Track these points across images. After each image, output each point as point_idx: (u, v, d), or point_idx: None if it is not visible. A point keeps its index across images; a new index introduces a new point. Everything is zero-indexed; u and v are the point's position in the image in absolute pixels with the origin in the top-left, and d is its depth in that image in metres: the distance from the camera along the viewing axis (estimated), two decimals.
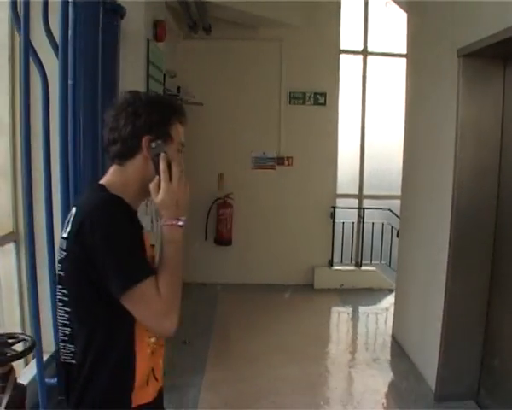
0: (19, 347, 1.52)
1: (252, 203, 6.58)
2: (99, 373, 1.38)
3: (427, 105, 4.28)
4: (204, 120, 6.29)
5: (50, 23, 2.76)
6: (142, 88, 3.76)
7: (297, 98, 6.51)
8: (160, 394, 1.56)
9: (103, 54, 3.20)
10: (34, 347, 1.47)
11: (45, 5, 2.72)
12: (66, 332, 1.42)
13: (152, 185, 1.43)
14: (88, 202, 1.43)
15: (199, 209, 6.56)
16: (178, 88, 5.71)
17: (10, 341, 1.44)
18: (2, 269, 3.19)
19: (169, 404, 3.75)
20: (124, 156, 1.48)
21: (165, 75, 4.61)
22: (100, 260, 1.31)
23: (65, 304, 1.42)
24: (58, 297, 1.45)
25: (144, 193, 1.49)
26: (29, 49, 2.59)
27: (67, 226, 1.41)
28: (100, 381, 1.38)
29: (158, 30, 3.92)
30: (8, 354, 1.43)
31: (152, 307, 1.34)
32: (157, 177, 1.43)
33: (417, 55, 4.60)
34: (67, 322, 1.42)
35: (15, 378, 1.46)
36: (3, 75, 3.17)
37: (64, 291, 1.42)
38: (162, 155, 1.43)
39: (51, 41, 2.80)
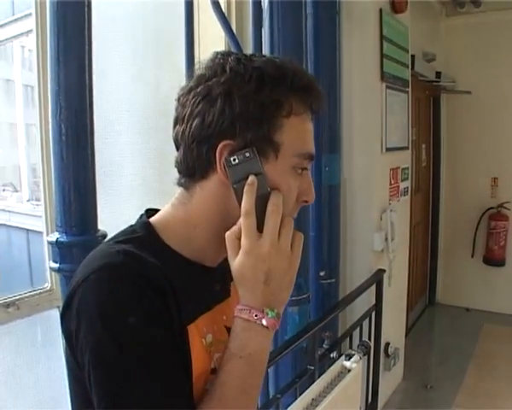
0: None
1: None
2: None
3: None
4: (472, 112, 5.20)
5: None
6: (373, 71, 3.06)
7: None
8: None
9: (316, 31, 2.62)
10: None
11: None
12: None
13: (228, 237, 0.78)
14: (86, 260, 0.80)
15: (466, 220, 5.47)
16: (438, 73, 4.74)
17: None
18: None
19: None
20: (189, 174, 0.82)
21: (413, 56, 3.77)
22: (86, 370, 0.71)
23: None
24: None
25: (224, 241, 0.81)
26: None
27: None
28: None
29: None
30: None
31: None
32: (240, 220, 0.77)
33: None
34: None
35: None
36: None
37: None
38: (250, 179, 0.76)
39: None
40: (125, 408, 0.68)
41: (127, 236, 0.82)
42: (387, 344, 3.43)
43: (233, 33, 2.50)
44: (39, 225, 2.12)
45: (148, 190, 2.42)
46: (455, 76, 5.14)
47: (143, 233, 0.82)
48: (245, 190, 0.76)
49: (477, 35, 5.11)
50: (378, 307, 2.98)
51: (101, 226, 1.65)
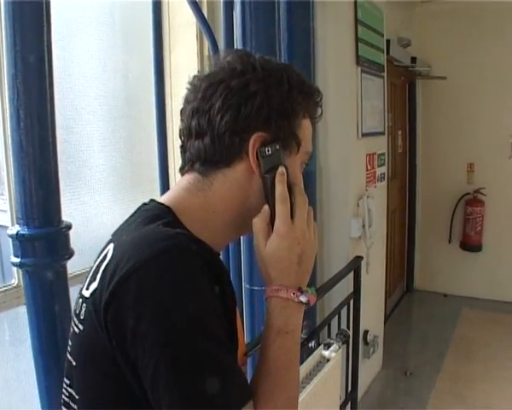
0: None
1: (510, 201, 5.17)
2: None
3: None
4: (448, 98, 5.21)
5: None
6: (348, 55, 3.00)
7: None
8: None
9: (289, 15, 2.56)
10: None
11: None
12: None
13: (257, 223, 0.82)
14: (136, 242, 0.74)
15: (442, 206, 5.49)
16: (413, 59, 4.71)
17: None
18: None
19: None
20: (212, 162, 0.84)
21: (389, 41, 3.73)
22: (150, 366, 0.66)
23: None
24: (63, 399, 0.81)
25: (240, 230, 0.89)
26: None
27: (94, 278, 0.75)
28: None
29: None
30: None
31: None
32: (265, 208, 0.82)
33: None
34: None
35: None
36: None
37: (71, 391, 0.79)
38: (280, 170, 0.82)
39: None
40: (209, 393, 0.66)
41: (159, 220, 0.79)
42: (366, 332, 3.41)
43: (204, 18, 2.42)
44: (6, 219, 2.03)
45: (118, 180, 2.34)
46: (430, 61, 5.12)
47: (170, 218, 0.81)
48: (277, 180, 0.81)
49: (452, 21, 5.09)
50: (356, 294, 2.95)
51: (69, 218, 1.57)
